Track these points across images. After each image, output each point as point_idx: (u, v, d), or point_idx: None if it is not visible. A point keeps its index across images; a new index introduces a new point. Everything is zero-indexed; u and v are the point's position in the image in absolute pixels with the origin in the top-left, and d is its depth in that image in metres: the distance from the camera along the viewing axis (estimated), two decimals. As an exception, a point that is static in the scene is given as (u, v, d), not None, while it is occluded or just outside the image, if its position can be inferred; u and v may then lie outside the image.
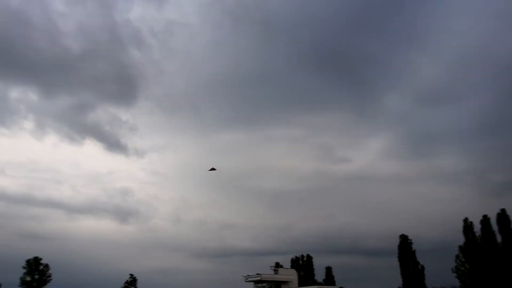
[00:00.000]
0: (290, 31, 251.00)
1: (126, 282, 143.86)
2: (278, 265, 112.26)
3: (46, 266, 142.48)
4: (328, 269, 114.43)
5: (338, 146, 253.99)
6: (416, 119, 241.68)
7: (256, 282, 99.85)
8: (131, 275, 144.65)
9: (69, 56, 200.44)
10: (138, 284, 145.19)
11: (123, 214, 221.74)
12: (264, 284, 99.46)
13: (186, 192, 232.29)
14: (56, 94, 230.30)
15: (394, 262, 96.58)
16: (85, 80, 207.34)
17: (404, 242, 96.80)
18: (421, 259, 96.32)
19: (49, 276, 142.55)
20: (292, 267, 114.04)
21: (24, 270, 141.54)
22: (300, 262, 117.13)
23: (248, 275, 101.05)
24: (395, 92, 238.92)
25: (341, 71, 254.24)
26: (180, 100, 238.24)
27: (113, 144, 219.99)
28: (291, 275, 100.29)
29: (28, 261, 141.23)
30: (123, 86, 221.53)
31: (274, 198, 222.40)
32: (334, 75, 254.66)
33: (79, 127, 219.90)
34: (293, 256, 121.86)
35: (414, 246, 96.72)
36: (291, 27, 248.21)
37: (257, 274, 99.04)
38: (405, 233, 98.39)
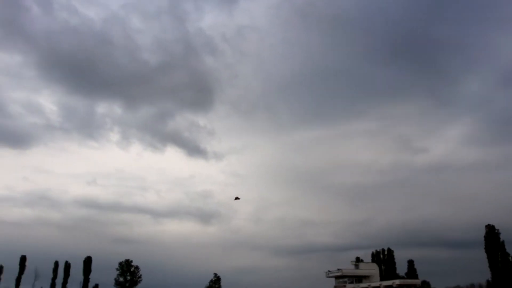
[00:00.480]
0: (361, 23, 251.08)
1: (211, 281, 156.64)
2: (358, 259, 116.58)
3: (137, 267, 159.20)
4: (410, 263, 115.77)
5: (416, 136, 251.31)
6: (498, 103, 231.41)
7: (337, 277, 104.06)
8: (215, 274, 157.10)
9: (148, 69, 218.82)
10: (222, 282, 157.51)
11: (205, 216, 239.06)
12: (345, 279, 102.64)
13: (265, 191, 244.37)
14: (138, 106, 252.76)
15: (481, 254, 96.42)
16: (163, 90, 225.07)
17: (491, 233, 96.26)
18: (511, 250, 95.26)
19: (140, 277, 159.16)
20: (373, 261, 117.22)
21: (117, 272, 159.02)
22: (381, 256, 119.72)
23: (329, 271, 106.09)
24: (473, 76, 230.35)
25: (415, 58, 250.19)
26: (255, 101, 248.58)
27: (193, 149, 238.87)
28: (372, 270, 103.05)
29: (120, 264, 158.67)
30: (200, 93, 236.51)
31: (353, 193, 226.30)
32: (408, 64, 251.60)
33: (160, 135, 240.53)
34: (373, 250, 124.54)
35: (502, 237, 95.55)
36: (362, 20, 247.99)
37: (338, 269, 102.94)
38: (492, 223, 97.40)
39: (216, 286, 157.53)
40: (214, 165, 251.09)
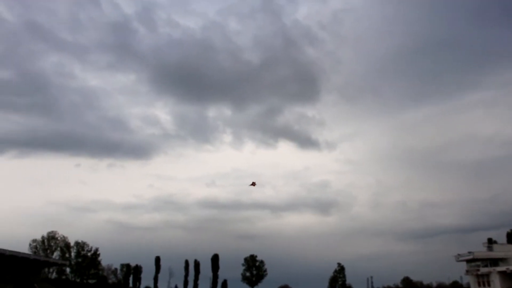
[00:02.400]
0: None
1: (335, 271, 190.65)
2: (491, 241, 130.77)
3: (262, 262, 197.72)
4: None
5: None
6: None
7: (469, 261, 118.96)
8: (339, 264, 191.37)
9: (251, 68, 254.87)
10: (346, 271, 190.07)
11: (323, 206, 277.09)
12: (478, 263, 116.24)
13: (382, 176, 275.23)
14: (246, 105, 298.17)
15: None
16: (269, 87, 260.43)
17: None
18: None
19: (265, 270, 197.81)
20: (508, 242, 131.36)
21: (243, 267, 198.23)
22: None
23: (459, 254, 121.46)
24: None
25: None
26: (361, 85, 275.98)
27: (305, 141, 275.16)
28: (509, 251, 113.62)
29: (245, 259, 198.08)
30: (305, 84, 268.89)
31: (475, 169, 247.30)
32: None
33: (271, 131, 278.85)
34: (508, 229, 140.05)
35: None
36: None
37: (469, 252, 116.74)
38: None
39: (341, 275, 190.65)
40: (327, 154, 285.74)
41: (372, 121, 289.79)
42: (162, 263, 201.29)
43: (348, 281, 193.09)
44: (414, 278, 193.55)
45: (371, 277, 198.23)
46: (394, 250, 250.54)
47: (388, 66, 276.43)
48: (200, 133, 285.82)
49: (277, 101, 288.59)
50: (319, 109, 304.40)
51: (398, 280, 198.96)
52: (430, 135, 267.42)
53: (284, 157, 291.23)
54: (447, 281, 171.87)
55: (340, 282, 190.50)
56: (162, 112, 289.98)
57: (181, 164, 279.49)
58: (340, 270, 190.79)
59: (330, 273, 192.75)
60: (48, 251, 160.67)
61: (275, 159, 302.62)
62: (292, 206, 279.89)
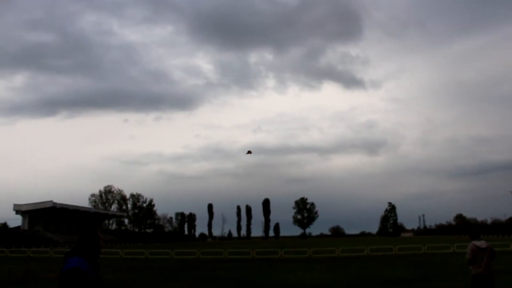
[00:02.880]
0: None
1: (386, 210, 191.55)
2: None
3: (312, 204, 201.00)
4: None
5: None
6: None
7: None
8: (390, 203, 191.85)
9: (289, 9, 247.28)
10: (397, 210, 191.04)
11: (371, 147, 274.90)
12: None
13: (430, 113, 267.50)
14: (287, 48, 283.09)
15: None
16: (309, 28, 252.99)
17: None
18: None
19: (316, 213, 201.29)
20: None
21: (294, 210, 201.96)
22: None
23: None
24: None
25: None
26: (404, 19, 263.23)
27: (349, 81, 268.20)
28: None
29: (296, 202, 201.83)
30: (346, 22, 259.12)
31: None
32: None
33: (314, 73, 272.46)
34: None
35: None
36: None
37: None
38: None
39: (392, 214, 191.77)
40: (373, 93, 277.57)
41: (419, 56, 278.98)
42: (214, 210, 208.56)
43: (399, 220, 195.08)
44: (468, 215, 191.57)
45: (423, 215, 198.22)
46: (446, 188, 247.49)
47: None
48: (242, 79, 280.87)
49: (318, 42, 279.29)
50: (362, 47, 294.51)
51: (450, 218, 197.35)
52: (481, 67, 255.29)
53: (329, 98, 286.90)
54: (503, 217, 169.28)
55: (391, 221, 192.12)
56: (203, 61, 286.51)
57: (226, 112, 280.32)
58: (391, 209, 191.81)
59: (381, 212, 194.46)
60: (106, 204, 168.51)
61: (320, 101, 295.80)
62: (340, 147, 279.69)
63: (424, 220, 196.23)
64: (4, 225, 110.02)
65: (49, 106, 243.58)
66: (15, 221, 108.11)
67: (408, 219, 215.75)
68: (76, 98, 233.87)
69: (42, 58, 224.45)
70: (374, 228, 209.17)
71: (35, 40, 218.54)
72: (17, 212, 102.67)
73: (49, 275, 22.30)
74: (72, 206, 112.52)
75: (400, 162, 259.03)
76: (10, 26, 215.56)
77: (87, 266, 4.23)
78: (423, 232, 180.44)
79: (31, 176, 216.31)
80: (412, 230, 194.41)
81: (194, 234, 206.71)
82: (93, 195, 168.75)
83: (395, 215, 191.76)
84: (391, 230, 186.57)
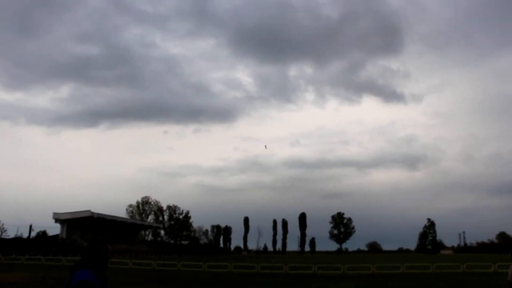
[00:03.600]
0: None
1: (425, 226, 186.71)
2: None
3: (349, 219, 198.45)
4: None
5: None
6: None
7: None
8: (429, 219, 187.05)
9: (331, 23, 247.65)
10: (437, 227, 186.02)
11: (411, 161, 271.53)
12: None
13: (474, 127, 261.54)
14: (328, 62, 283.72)
15: None
16: (350, 41, 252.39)
17: None
18: None
19: (353, 228, 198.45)
20: None
21: (331, 225, 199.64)
22: None
23: None
24: None
25: None
26: (448, 32, 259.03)
27: (390, 95, 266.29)
28: None
29: (333, 217, 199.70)
30: (387, 36, 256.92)
31: None
32: None
33: (354, 87, 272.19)
34: None
35: None
36: None
37: None
38: None
39: (431, 231, 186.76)
40: (413, 108, 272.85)
41: (462, 70, 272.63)
42: (250, 223, 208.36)
43: (439, 236, 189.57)
44: (511, 233, 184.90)
45: (464, 233, 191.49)
46: (489, 204, 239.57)
47: (479, 8, 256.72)
48: (282, 93, 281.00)
49: (359, 56, 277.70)
50: (403, 61, 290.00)
51: (493, 236, 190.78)
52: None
53: (368, 112, 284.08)
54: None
55: (430, 238, 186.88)
56: (244, 74, 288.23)
57: (265, 125, 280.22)
58: (430, 225, 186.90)
59: (419, 229, 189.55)
60: (143, 215, 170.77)
61: (359, 115, 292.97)
62: (379, 162, 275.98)
63: (464, 237, 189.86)
64: (44, 233, 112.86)
65: (92, 117, 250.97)
66: (54, 229, 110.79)
67: (448, 236, 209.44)
68: (118, 109, 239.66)
69: (87, 70, 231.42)
70: (412, 245, 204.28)
71: (82, 52, 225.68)
72: (56, 220, 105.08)
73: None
74: (110, 216, 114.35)
75: (440, 177, 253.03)
76: (61, 39, 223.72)
77: (95, 279, 4.10)
78: (464, 250, 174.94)
79: (71, 185, 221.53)
80: (452, 248, 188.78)
81: (229, 247, 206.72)
82: (130, 205, 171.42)
83: (434, 231, 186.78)
84: (430, 247, 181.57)
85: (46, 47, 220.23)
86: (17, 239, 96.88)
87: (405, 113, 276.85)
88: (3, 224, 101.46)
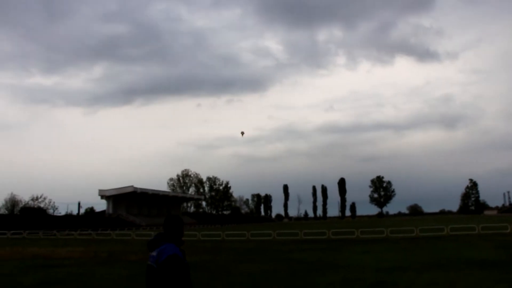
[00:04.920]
0: None
1: (467, 187, 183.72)
2: None
3: (389, 183, 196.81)
4: None
5: None
6: None
7: None
8: (471, 180, 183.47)
9: None
10: (479, 187, 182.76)
11: (449, 121, 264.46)
12: None
13: None
14: (357, 24, 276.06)
15: None
16: (379, 1, 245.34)
17: None
18: None
19: (393, 191, 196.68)
20: None
21: (371, 189, 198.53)
22: None
23: None
24: None
25: None
26: None
27: (424, 53, 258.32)
28: None
29: (372, 181, 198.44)
30: None
31: None
32: None
33: (386, 47, 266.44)
34: None
35: None
36: None
37: None
38: None
39: (473, 192, 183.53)
40: (449, 66, 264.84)
41: (499, 23, 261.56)
42: (290, 190, 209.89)
43: (482, 197, 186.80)
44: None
45: (508, 192, 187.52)
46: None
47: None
48: (312, 58, 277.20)
49: (389, 15, 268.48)
50: (436, 17, 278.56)
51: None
52: None
53: (402, 73, 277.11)
54: None
55: (473, 199, 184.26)
56: (272, 42, 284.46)
57: (297, 92, 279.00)
58: (473, 186, 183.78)
59: (461, 190, 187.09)
60: (184, 187, 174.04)
61: (393, 76, 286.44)
62: (416, 123, 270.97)
63: (509, 197, 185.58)
64: (91, 209, 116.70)
65: (126, 94, 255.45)
66: (100, 205, 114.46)
67: (491, 197, 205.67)
68: (150, 85, 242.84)
69: (117, 48, 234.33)
70: (454, 206, 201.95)
71: (110, 32, 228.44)
72: (102, 197, 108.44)
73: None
74: (152, 190, 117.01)
75: (481, 136, 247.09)
76: (88, 20, 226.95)
77: (180, 252, 4.20)
78: (509, 210, 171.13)
79: (113, 162, 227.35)
80: (497, 208, 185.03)
81: (270, 215, 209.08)
82: (171, 179, 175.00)
83: (477, 192, 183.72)
84: (473, 208, 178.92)
85: (74, 30, 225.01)
86: (68, 216, 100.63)
87: (440, 72, 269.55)
88: (54, 202, 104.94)
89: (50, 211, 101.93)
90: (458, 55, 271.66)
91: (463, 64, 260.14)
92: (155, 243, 4.22)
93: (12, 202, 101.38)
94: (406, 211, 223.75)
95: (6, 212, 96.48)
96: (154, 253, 4.16)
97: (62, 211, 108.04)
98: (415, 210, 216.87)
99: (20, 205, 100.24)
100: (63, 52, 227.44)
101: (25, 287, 13.65)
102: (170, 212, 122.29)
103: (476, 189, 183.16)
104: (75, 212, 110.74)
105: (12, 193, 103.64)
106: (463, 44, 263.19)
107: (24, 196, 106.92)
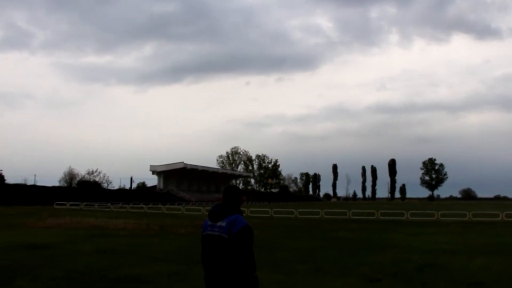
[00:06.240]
0: None
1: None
2: None
3: (441, 165, 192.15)
4: None
5: None
6: None
7: None
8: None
9: None
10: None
11: (509, 103, 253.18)
12: None
13: None
14: (410, 0, 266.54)
15: None
16: None
17: None
18: None
19: (445, 174, 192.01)
20: None
21: (422, 171, 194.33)
22: None
23: None
24: None
25: None
26: None
27: (483, 31, 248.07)
28: None
29: (423, 163, 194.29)
30: None
31: None
32: None
33: (442, 24, 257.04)
34: None
35: None
36: None
37: None
38: None
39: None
40: (511, 43, 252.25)
41: None
42: (339, 170, 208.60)
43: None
44: None
45: None
46: None
47: None
48: (364, 36, 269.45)
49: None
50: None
51: None
52: None
53: (459, 51, 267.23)
54: None
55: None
56: (323, 19, 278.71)
57: (348, 70, 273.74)
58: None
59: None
60: (233, 165, 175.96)
61: (449, 55, 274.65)
62: (472, 104, 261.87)
63: None
64: (143, 184, 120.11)
65: (176, 72, 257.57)
66: (152, 180, 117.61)
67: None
68: (200, 63, 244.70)
69: (167, 27, 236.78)
70: (510, 192, 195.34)
71: (159, 10, 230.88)
72: (153, 172, 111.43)
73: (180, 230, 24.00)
74: (201, 166, 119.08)
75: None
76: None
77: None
78: None
79: (163, 139, 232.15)
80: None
81: (318, 194, 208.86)
82: (220, 156, 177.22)
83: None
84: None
85: (125, 10, 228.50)
86: (121, 190, 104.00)
87: (501, 50, 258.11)
88: (108, 177, 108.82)
89: (105, 185, 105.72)
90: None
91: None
92: (221, 214, 4.24)
93: (70, 176, 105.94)
94: (459, 195, 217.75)
95: (65, 184, 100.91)
96: (223, 224, 4.17)
97: (115, 185, 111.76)
98: (468, 195, 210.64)
99: (77, 179, 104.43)
100: (115, 32, 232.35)
101: (85, 253, 14.39)
102: (219, 189, 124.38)
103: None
104: (127, 186, 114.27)
105: (70, 167, 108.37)
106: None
107: (81, 170, 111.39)
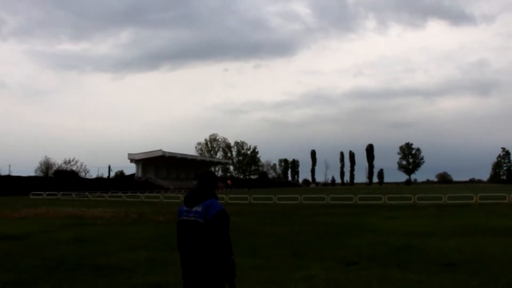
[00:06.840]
0: None
1: (499, 156, 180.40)
2: None
3: (418, 150, 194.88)
4: None
5: None
6: None
7: None
8: (503, 148, 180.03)
9: None
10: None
11: (483, 88, 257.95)
12: None
13: None
14: None
15: None
16: None
17: None
18: None
19: (422, 158, 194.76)
20: None
21: (399, 156, 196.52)
22: None
23: None
24: None
25: None
26: None
27: (458, 16, 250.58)
28: None
29: (400, 148, 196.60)
30: None
31: None
32: None
33: (418, 10, 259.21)
34: None
35: None
36: None
37: None
38: None
39: (505, 161, 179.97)
40: (485, 29, 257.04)
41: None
42: (317, 156, 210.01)
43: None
44: None
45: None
46: None
47: None
48: (341, 22, 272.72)
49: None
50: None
51: None
52: None
53: (434, 37, 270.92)
54: None
55: (505, 168, 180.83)
56: (301, 5, 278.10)
57: (326, 56, 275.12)
58: (505, 155, 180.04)
59: (493, 159, 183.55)
60: (212, 152, 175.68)
61: (424, 40, 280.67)
62: (447, 90, 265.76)
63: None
64: (121, 172, 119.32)
65: (153, 59, 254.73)
66: (130, 169, 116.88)
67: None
68: (177, 50, 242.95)
69: (144, 13, 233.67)
70: (485, 175, 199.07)
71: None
72: (131, 161, 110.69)
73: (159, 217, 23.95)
74: (180, 154, 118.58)
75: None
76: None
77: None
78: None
79: (141, 127, 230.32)
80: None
81: (297, 180, 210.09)
82: (199, 143, 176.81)
83: (509, 161, 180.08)
84: (504, 177, 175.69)
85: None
86: (99, 179, 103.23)
87: (475, 36, 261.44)
88: (85, 166, 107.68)
89: (82, 174, 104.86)
90: (495, 17, 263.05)
91: (500, 27, 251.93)
92: (196, 199, 4.20)
93: (47, 165, 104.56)
94: (435, 179, 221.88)
95: (41, 174, 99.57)
96: (198, 209, 4.12)
97: (93, 174, 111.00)
98: (444, 178, 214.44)
99: (54, 168, 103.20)
100: (91, 19, 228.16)
101: (62, 242, 14.27)
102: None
103: (509, 158, 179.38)
104: (105, 175, 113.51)
105: (46, 157, 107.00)
106: (501, 5, 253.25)
107: (57, 159, 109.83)
